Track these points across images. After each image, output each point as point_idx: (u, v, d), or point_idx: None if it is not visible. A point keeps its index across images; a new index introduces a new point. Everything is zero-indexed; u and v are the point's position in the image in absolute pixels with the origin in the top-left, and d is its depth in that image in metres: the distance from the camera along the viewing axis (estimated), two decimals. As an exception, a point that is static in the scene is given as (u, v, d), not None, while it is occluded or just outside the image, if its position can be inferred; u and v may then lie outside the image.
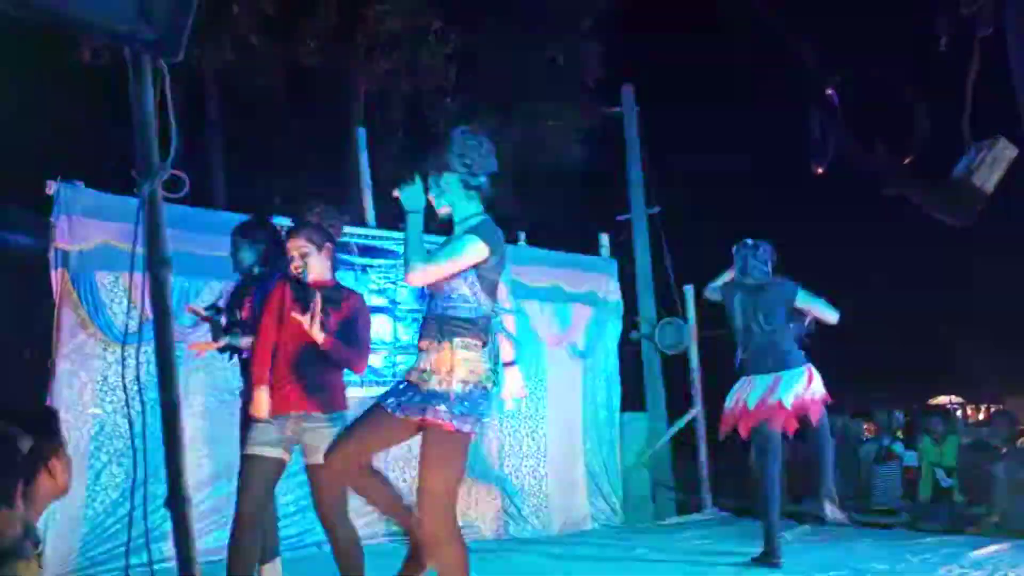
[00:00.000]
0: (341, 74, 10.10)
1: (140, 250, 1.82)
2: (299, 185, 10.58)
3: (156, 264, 1.74)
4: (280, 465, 3.69)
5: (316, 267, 3.73)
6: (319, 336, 3.55)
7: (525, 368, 6.86)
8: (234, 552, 3.61)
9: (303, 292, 3.71)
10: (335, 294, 3.76)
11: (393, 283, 6.24)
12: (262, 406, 3.63)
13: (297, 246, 3.72)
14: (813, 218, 13.81)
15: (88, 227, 5.01)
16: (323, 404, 3.64)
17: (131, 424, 2.43)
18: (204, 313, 4.27)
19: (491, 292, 3.11)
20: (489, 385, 3.03)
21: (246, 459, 3.67)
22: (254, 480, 3.61)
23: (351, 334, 3.70)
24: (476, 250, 3.01)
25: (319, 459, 3.45)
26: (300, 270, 3.71)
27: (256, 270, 4.22)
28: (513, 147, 11.30)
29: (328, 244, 3.78)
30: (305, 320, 3.55)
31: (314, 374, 3.65)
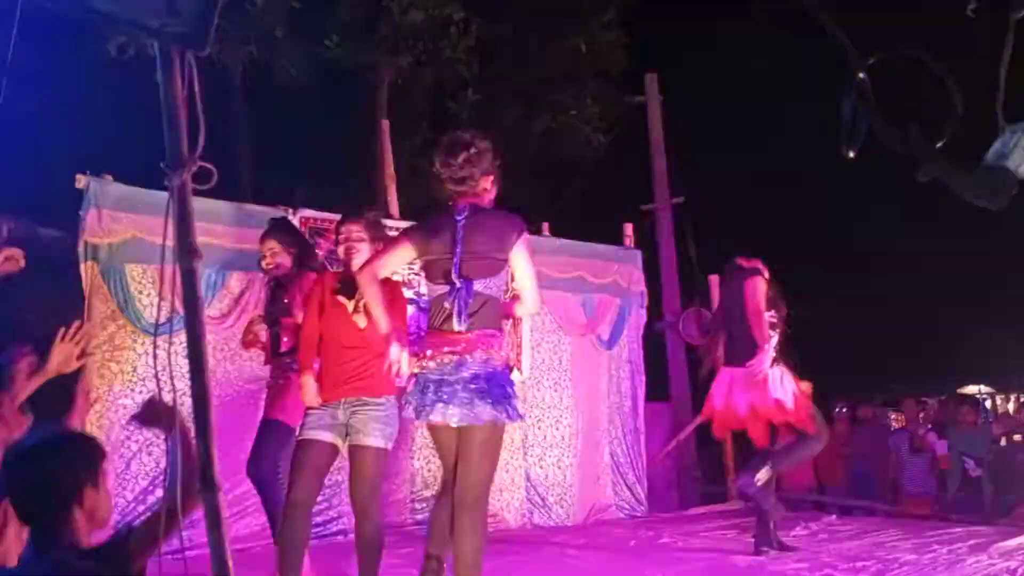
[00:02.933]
0: (365, 66, 10.12)
1: (169, 243, 1.85)
2: (323, 177, 10.64)
3: (185, 255, 1.77)
4: (333, 451, 3.70)
5: (364, 258, 3.73)
6: (362, 322, 3.64)
7: (549, 358, 6.91)
8: (285, 538, 3.66)
9: (346, 281, 3.77)
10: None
11: (417, 274, 6.26)
12: (310, 393, 3.71)
13: (354, 229, 3.79)
14: (839, 206, 13.67)
15: (117, 220, 5.08)
16: (371, 389, 3.68)
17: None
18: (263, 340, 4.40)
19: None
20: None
21: (299, 444, 3.73)
22: (306, 465, 3.64)
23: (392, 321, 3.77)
24: None
25: (362, 440, 3.59)
26: (349, 254, 3.77)
27: (294, 270, 4.40)
28: (536, 138, 11.31)
29: (378, 243, 3.81)
30: (351, 304, 3.66)
31: (360, 360, 3.69)
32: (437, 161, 3.28)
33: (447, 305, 3.17)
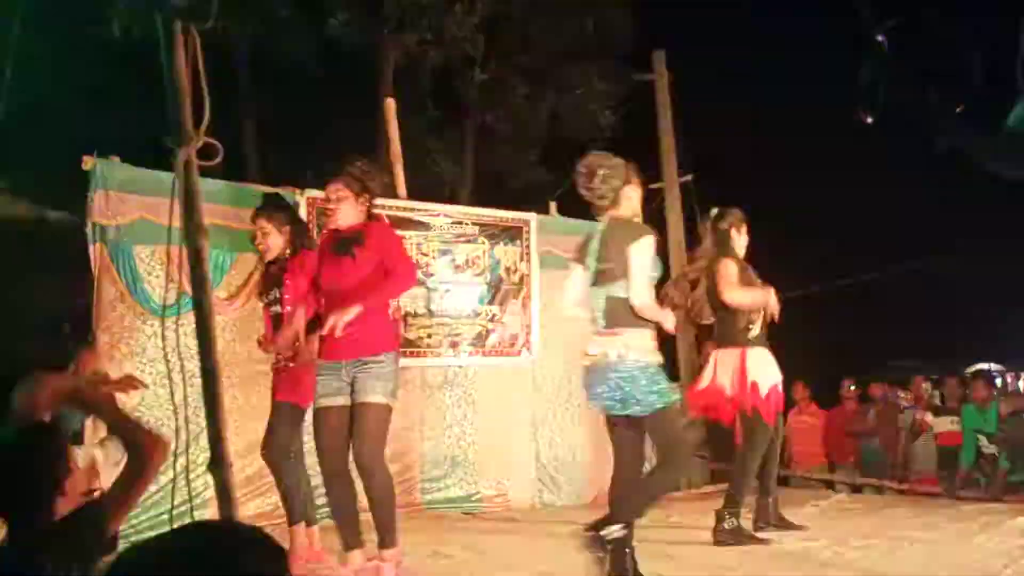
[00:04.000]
0: (370, 46, 10.07)
1: (176, 224, 1.84)
2: (329, 157, 10.60)
3: (193, 231, 1.75)
4: (347, 411, 3.71)
5: (349, 214, 3.78)
6: (340, 331, 3.58)
7: (558, 339, 6.89)
8: (331, 509, 3.79)
9: (339, 240, 3.80)
10: (359, 233, 3.79)
11: (425, 254, 6.25)
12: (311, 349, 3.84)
13: (334, 189, 3.79)
14: (850, 184, 13.57)
15: (125, 201, 5.07)
16: (371, 347, 3.69)
17: (172, 394, 2.47)
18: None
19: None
20: None
21: (315, 415, 3.77)
22: (326, 435, 3.69)
23: (389, 261, 3.76)
24: None
25: (363, 398, 3.62)
26: (333, 213, 3.79)
27: (288, 252, 4.34)
28: (544, 116, 11.24)
29: (365, 195, 3.82)
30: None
31: (356, 321, 3.65)
32: (578, 185, 3.85)
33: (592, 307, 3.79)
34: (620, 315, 3.69)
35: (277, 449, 4.19)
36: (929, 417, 7.84)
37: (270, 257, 4.38)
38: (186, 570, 1.03)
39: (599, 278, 3.77)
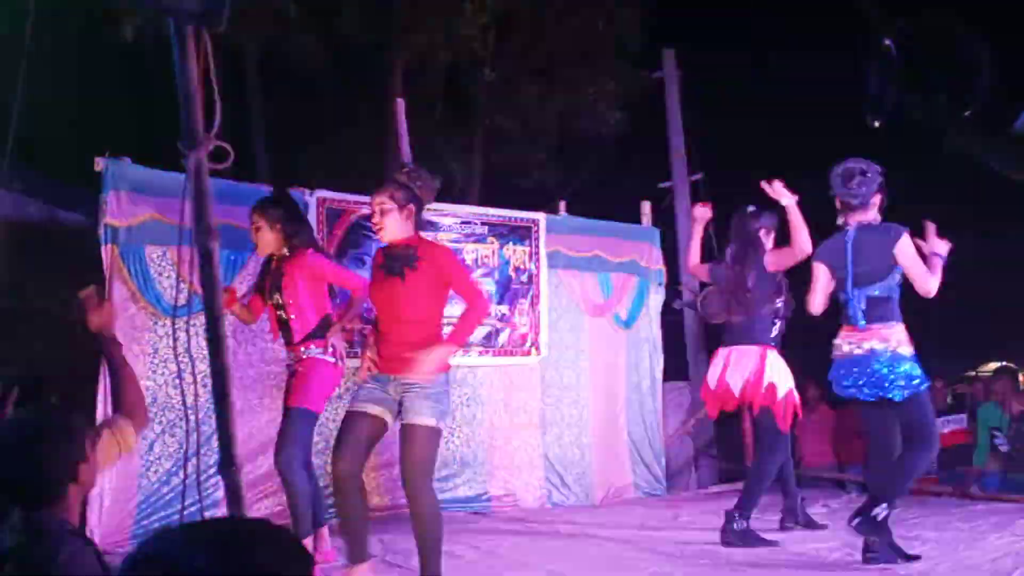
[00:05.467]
0: (379, 46, 10.08)
1: (187, 223, 1.85)
2: (339, 157, 10.64)
3: (203, 234, 1.77)
4: (380, 425, 3.64)
5: (395, 228, 3.65)
6: (425, 372, 3.55)
7: (567, 337, 6.91)
8: (337, 514, 3.75)
9: (390, 256, 3.70)
10: (411, 251, 3.66)
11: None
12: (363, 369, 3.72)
13: (377, 202, 3.66)
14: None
15: (136, 202, 5.10)
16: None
17: (183, 395, 2.49)
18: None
19: None
20: None
21: (345, 416, 3.67)
22: (347, 438, 3.56)
23: (457, 289, 3.69)
24: None
25: (411, 419, 3.52)
26: (379, 228, 3.68)
27: (285, 250, 4.28)
28: (553, 115, 11.24)
29: (411, 205, 3.67)
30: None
31: (408, 338, 3.60)
32: (833, 185, 4.30)
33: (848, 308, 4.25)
34: (880, 312, 4.20)
35: (282, 458, 4.08)
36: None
37: (262, 254, 4.38)
38: (208, 563, 1.02)
39: (857, 280, 4.24)
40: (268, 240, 4.28)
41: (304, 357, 4.22)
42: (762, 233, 5.11)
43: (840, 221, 4.37)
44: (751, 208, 5.20)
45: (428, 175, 3.78)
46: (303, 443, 4.13)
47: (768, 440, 4.97)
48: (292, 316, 4.24)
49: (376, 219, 3.67)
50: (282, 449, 4.09)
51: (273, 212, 4.28)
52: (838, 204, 4.35)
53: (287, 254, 4.28)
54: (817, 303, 4.47)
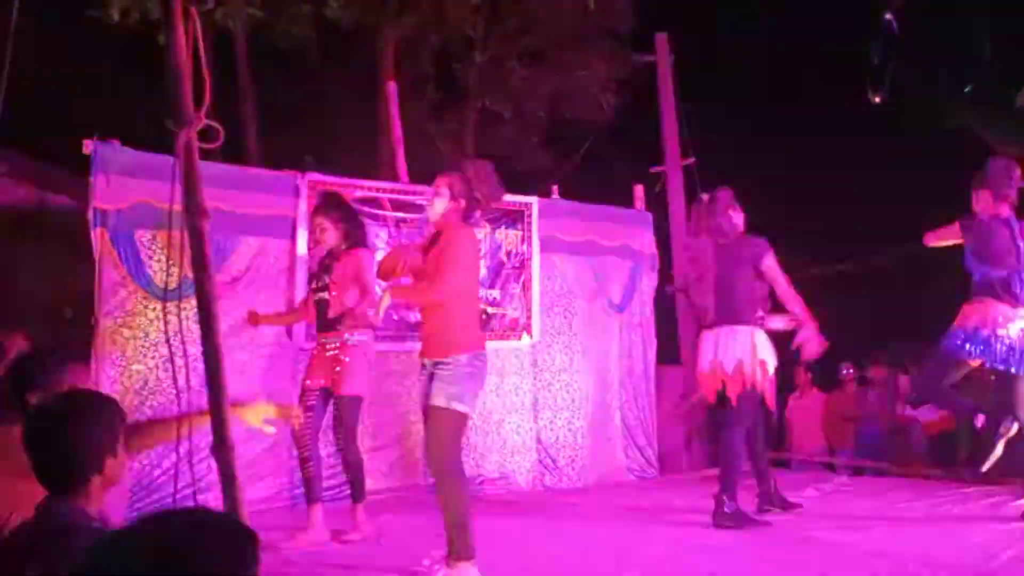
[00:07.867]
0: (370, 28, 10.00)
1: (177, 207, 1.83)
2: (330, 140, 10.57)
3: (193, 214, 1.75)
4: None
5: (439, 210, 3.78)
6: (379, 314, 3.78)
7: (560, 322, 6.90)
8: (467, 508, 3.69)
9: (428, 240, 3.90)
10: (437, 236, 3.80)
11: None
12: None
13: (437, 183, 3.83)
14: (855, 166, 13.51)
15: (126, 186, 5.05)
16: (441, 348, 3.64)
17: (175, 378, 2.47)
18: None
19: None
20: None
21: (423, 415, 3.81)
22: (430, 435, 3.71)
23: (432, 268, 3.77)
24: None
25: (430, 401, 3.62)
26: (428, 205, 3.89)
27: (344, 247, 4.69)
28: (545, 99, 11.19)
29: (462, 201, 3.76)
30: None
31: (429, 323, 3.78)
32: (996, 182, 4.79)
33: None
34: None
35: (339, 441, 4.52)
36: (909, 411, 7.82)
37: (326, 250, 4.80)
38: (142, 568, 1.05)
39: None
40: (332, 238, 4.71)
41: (348, 344, 4.54)
42: (731, 212, 5.12)
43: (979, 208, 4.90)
44: (705, 196, 5.31)
45: (489, 181, 3.85)
46: (355, 427, 4.57)
47: (722, 416, 4.98)
48: (334, 294, 4.61)
49: (430, 197, 3.88)
50: (341, 436, 4.50)
51: (335, 214, 4.74)
52: (993, 196, 4.84)
53: (344, 248, 4.70)
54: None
